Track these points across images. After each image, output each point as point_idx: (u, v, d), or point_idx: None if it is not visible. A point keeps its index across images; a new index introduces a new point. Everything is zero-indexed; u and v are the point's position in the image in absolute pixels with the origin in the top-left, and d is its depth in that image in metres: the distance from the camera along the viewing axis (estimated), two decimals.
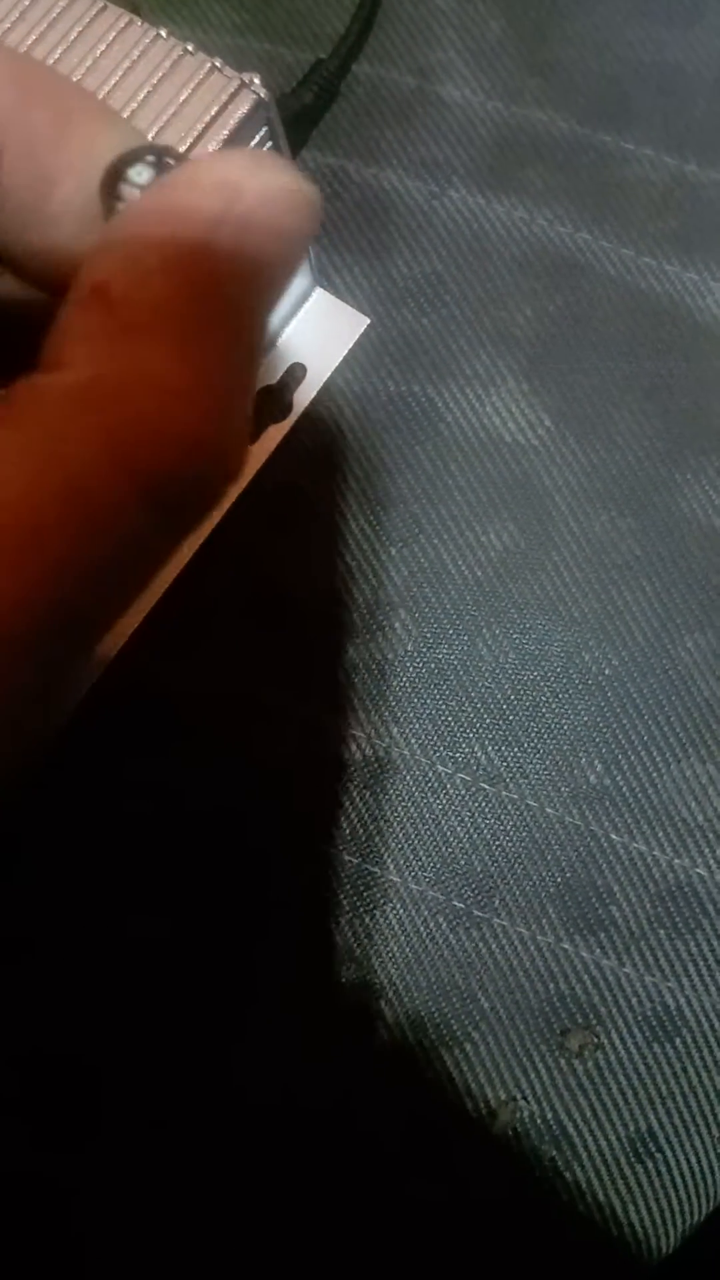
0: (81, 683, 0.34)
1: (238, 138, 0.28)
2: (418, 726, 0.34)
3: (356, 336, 0.36)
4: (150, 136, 0.28)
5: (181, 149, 0.28)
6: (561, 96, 0.37)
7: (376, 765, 0.34)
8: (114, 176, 0.18)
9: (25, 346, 0.16)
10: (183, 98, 0.28)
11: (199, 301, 0.15)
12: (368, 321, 0.36)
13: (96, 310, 0.15)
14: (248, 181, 0.16)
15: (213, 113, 0.28)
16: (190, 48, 0.29)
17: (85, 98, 0.18)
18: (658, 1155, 0.32)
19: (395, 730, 0.34)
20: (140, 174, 0.18)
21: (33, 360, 0.16)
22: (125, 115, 0.28)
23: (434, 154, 0.37)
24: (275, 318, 0.36)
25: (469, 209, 0.36)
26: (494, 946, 0.33)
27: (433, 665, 0.34)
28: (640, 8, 0.38)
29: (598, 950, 0.32)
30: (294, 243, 0.16)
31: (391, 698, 0.34)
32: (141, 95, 0.28)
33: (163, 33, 0.29)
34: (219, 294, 0.15)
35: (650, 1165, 0.32)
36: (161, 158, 0.18)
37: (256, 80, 0.28)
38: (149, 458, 0.14)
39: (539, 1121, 0.32)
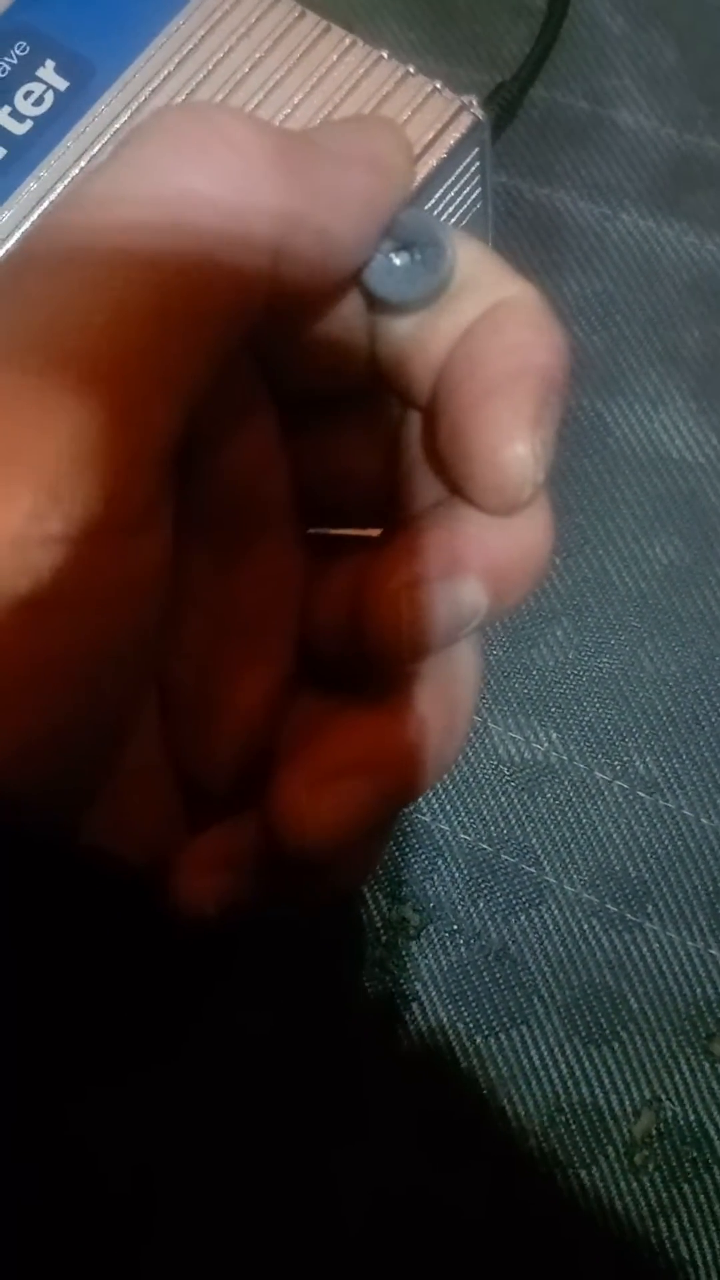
0: None
1: (455, 157, 0.29)
2: (577, 733, 0.35)
3: None
4: None
5: None
6: None
7: (535, 769, 0.35)
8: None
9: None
10: (404, 118, 0.29)
11: None
12: None
13: None
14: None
15: (434, 132, 0.29)
16: (412, 69, 0.30)
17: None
18: None
19: (555, 735, 0.35)
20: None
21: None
22: None
23: (606, 177, 0.38)
24: None
25: (640, 232, 0.38)
26: (644, 950, 0.33)
27: (594, 674, 0.35)
28: None
29: None
30: None
31: (551, 703, 0.35)
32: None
33: (384, 54, 0.30)
34: None
35: None
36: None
37: (475, 102, 0.30)
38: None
39: (681, 1122, 0.33)
